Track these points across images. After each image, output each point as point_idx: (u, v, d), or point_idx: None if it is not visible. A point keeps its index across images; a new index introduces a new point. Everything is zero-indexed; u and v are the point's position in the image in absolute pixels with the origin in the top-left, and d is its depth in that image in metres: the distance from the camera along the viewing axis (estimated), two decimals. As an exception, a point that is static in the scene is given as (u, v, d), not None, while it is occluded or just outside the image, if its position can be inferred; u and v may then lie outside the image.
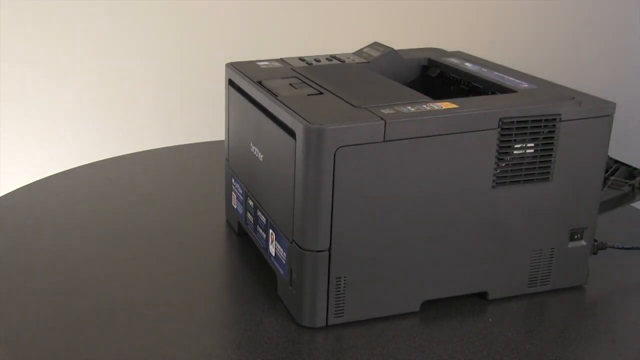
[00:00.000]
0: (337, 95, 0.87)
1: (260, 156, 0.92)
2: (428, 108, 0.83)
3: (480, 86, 0.98)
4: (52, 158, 1.97)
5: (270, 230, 0.91)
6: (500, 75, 0.99)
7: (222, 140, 1.10)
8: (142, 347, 0.81)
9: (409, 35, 1.67)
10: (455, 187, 0.84)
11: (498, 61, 1.07)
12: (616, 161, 1.00)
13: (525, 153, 0.85)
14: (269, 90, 0.89)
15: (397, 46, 1.10)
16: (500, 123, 0.83)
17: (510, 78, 0.97)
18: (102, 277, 0.95)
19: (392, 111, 0.81)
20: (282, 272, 0.88)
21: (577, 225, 0.91)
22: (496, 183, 0.85)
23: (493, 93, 0.94)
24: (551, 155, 0.87)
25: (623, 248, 0.99)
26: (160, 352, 0.80)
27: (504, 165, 0.85)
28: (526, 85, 0.93)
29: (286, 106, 0.83)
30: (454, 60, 1.07)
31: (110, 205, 1.18)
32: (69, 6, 1.90)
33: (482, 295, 0.91)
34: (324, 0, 1.85)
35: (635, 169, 0.99)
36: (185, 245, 1.04)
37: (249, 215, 0.99)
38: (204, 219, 1.12)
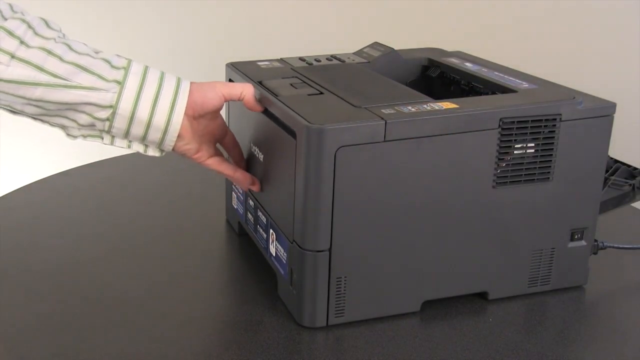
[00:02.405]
0: (337, 95, 0.87)
1: (261, 156, 0.92)
2: (428, 108, 0.83)
3: (481, 86, 0.98)
4: (52, 158, 1.97)
5: (271, 230, 0.91)
6: (501, 75, 0.99)
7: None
8: (142, 346, 0.81)
9: (409, 35, 1.67)
10: (455, 187, 0.84)
11: (498, 61, 1.07)
12: (616, 161, 1.00)
13: (525, 153, 0.85)
14: (270, 90, 0.89)
15: (397, 46, 1.10)
16: (501, 123, 0.83)
17: (511, 78, 0.97)
18: (102, 277, 0.95)
19: (392, 111, 0.81)
20: (282, 272, 0.88)
21: (577, 225, 0.91)
22: (496, 183, 0.85)
23: (493, 93, 0.94)
24: (551, 155, 0.87)
25: (623, 248, 0.99)
26: (160, 352, 0.80)
27: (504, 165, 0.85)
28: (526, 85, 0.93)
29: (287, 106, 0.83)
30: (454, 60, 1.07)
31: (110, 205, 1.18)
32: (68, 6, 1.90)
33: (482, 295, 0.91)
34: (324, 0, 1.85)
35: (636, 168, 0.99)
36: (185, 245, 1.04)
37: (249, 215, 0.99)
38: (204, 219, 1.12)
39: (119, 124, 0.81)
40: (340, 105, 0.84)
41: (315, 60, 1.05)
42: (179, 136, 0.83)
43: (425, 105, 0.83)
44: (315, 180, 0.78)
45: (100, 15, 1.93)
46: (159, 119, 0.81)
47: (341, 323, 0.85)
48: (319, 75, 0.96)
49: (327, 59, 1.06)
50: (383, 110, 0.81)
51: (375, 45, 1.11)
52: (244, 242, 1.05)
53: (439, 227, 0.85)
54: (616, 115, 0.88)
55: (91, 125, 0.81)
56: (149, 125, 0.81)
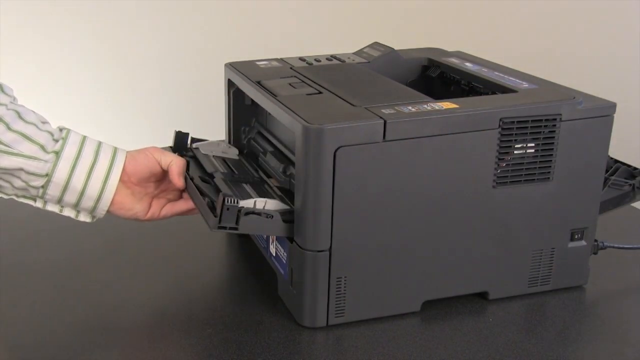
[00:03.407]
0: (336, 95, 0.87)
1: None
2: (428, 108, 0.83)
3: (481, 86, 0.98)
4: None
5: (271, 230, 0.91)
6: (501, 75, 0.98)
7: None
8: (142, 347, 0.81)
9: (409, 35, 1.67)
10: (455, 187, 0.84)
11: (498, 61, 1.07)
12: (616, 161, 1.00)
13: (525, 153, 0.85)
14: (268, 90, 0.89)
15: (397, 46, 1.10)
16: (501, 123, 0.83)
17: (511, 78, 0.97)
18: (102, 277, 0.95)
19: (392, 111, 0.81)
20: (282, 272, 0.88)
21: (577, 225, 0.91)
22: (497, 183, 0.85)
23: (493, 93, 0.94)
24: (552, 155, 0.87)
25: (623, 248, 0.99)
26: (160, 352, 0.80)
27: (504, 165, 0.85)
28: (527, 85, 0.93)
29: (285, 106, 0.83)
30: (454, 60, 1.07)
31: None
32: (68, 6, 1.90)
33: (482, 295, 0.91)
34: (324, 0, 1.85)
35: (636, 168, 0.99)
36: (186, 245, 1.04)
37: (249, 215, 0.99)
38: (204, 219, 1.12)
39: (53, 191, 0.84)
40: (339, 105, 0.84)
41: (315, 60, 1.05)
42: (117, 204, 0.86)
43: (425, 105, 0.83)
44: (314, 180, 0.78)
45: (101, 15, 1.93)
46: (93, 189, 0.84)
47: (341, 323, 0.85)
48: (319, 75, 0.96)
49: (327, 59, 1.06)
50: (383, 110, 0.81)
51: (375, 45, 1.11)
52: (244, 242, 1.05)
53: (439, 227, 0.85)
54: (616, 115, 0.88)
55: (25, 189, 0.84)
56: (82, 193, 0.84)
